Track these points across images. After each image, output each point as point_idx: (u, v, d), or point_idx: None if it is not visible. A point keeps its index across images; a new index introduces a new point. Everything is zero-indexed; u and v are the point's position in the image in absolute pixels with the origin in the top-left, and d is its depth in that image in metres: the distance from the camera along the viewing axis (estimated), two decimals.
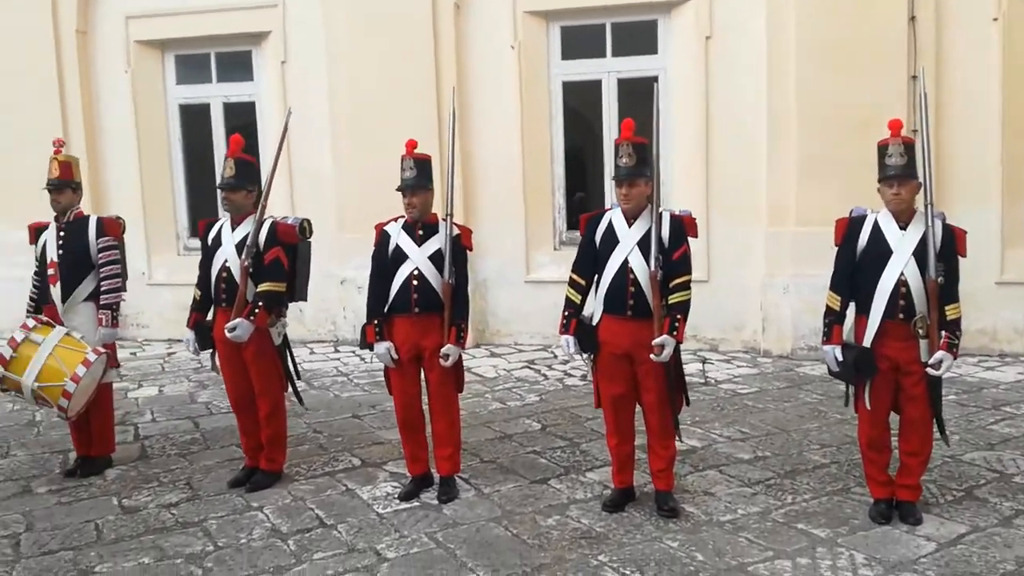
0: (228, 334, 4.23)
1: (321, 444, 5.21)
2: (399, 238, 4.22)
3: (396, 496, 4.28)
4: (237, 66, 8.92)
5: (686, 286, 3.83)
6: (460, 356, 4.25)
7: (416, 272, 4.15)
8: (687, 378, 4.21)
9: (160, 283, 8.88)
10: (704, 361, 7.35)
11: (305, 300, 4.66)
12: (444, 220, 4.23)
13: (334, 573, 3.44)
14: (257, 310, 4.24)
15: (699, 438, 5.14)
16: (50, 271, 4.74)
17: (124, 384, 6.84)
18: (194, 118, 9.12)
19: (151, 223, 8.94)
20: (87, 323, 4.74)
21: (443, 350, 4.11)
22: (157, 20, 8.77)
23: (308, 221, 4.55)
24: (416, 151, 4.22)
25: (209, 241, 4.50)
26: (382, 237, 4.28)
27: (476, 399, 6.22)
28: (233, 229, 4.43)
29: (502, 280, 8.16)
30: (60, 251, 4.75)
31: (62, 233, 4.79)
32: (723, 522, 3.86)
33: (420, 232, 4.22)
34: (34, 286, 4.88)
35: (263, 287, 4.29)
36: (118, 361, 5.06)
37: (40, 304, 4.83)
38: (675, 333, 3.75)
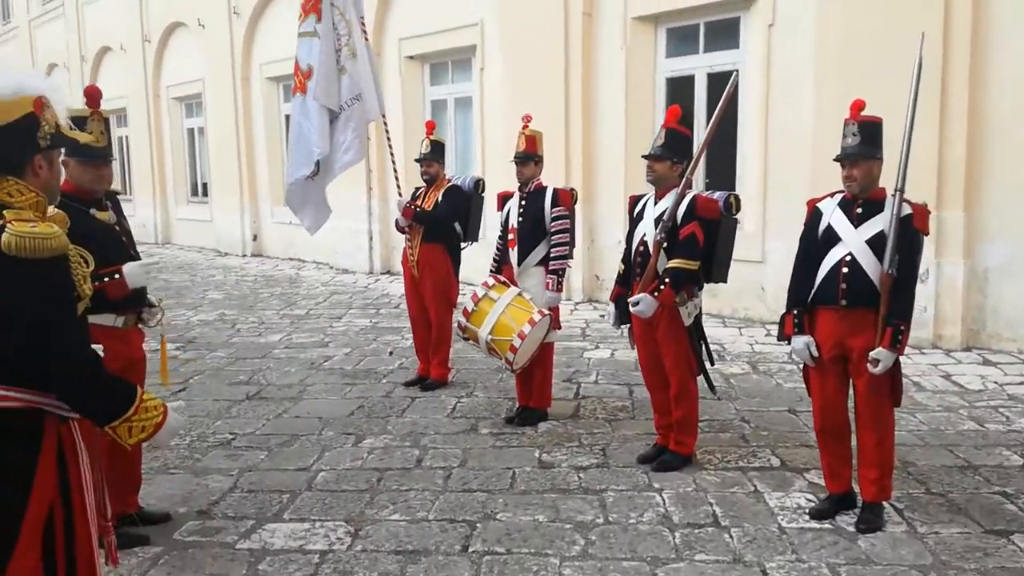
0: (632, 308, 4.16)
1: (744, 435, 4.87)
2: (832, 216, 3.64)
3: (807, 511, 3.78)
4: (723, 34, 8.74)
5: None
6: (897, 363, 3.53)
7: (848, 258, 3.55)
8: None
9: None
10: None
11: (724, 281, 4.36)
12: (893, 196, 3.52)
13: None
14: (663, 286, 4.07)
15: None
16: (510, 236, 5.23)
17: (583, 343, 7.32)
18: (678, 90, 9.22)
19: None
20: (537, 286, 5.12)
21: (872, 354, 3.45)
22: None
23: (736, 196, 4.22)
24: (863, 113, 3.57)
25: (634, 214, 4.47)
26: (813, 215, 3.75)
27: (946, 414, 5.19)
28: (656, 202, 4.33)
29: (1013, 271, 6.66)
30: (520, 218, 5.19)
31: (523, 202, 5.23)
32: None
33: (859, 210, 3.59)
34: (497, 248, 5.43)
35: (672, 263, 4.10)
36: (560, 324, 5.38)
37: (500, 265, 5.36)
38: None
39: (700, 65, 8.91)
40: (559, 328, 5.34)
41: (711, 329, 6.23)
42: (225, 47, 15.12)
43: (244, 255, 15.31)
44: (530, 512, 3.83)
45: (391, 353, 7.11)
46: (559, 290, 5.11)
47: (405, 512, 3.86)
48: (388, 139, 6.08)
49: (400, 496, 4.05)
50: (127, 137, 19.29)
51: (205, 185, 17.19)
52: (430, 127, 6.04)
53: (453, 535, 3.61)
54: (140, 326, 3.68)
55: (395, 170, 6.21)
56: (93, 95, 3.37)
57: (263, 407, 5.60)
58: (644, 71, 9.24)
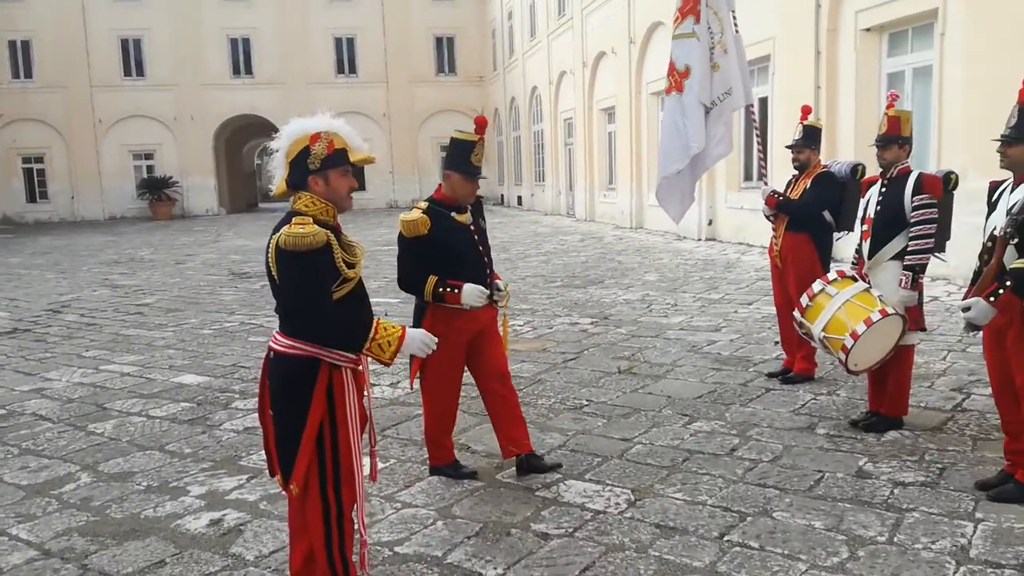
0: (962, 313, 3.62)
1: None
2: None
3: None
4: None
5: None
6: None
7: None
8: None
9: None
10: None
11: None
12: None
13: None
14: (1002, 290, 3.47)
15: None
16: (864, 226, 4.87)
17: None
18: None
19: None
20: (890, 282, 4.70)
21: None
22: None
23: None
24: None
25: (990, 203, 3.85)
26: None
27: None
28: (1012, 190, 3.68)
29: None
30: (878, 207, 4.79)
31: (883, 189, 4.81)
32: None
33: None
34: (860, 239, 5.07)
35: (1018, 263, 3.46)
36: (924, 324, 4.82)
37: (860, 257, 5.00)
38: None
39: None
40: (922, 329, 4.81)
41: None
42: None
43: (699, 239, 15.97)
44: (809, 517, 3.69)
45: (777, 343, 7.00)
46: (915, 288, 4.61)
47: (688, 493, 4.02)
48: (755, 126, 6.03)
49: (693, 478, 4.21)
50: (614, 132, 21.38)
51: None
52: (805, 112, 5.82)
53: (718, 522, 3.69)
54: (492, 304, 4.30)
55: (762, 157, 6.13)
56: (479, 124, 4.21)
57: (627, 381, 6.11)
58: None
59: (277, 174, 2.87)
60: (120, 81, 33.10)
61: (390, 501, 4.09)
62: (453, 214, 4.16)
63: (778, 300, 5.99)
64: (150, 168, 33.29)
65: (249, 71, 34.15)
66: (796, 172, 5.83)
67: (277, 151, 2.84)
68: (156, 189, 32.33)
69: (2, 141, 32.54)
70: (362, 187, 35.29)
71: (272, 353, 2.86)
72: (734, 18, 5.87)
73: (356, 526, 2.94)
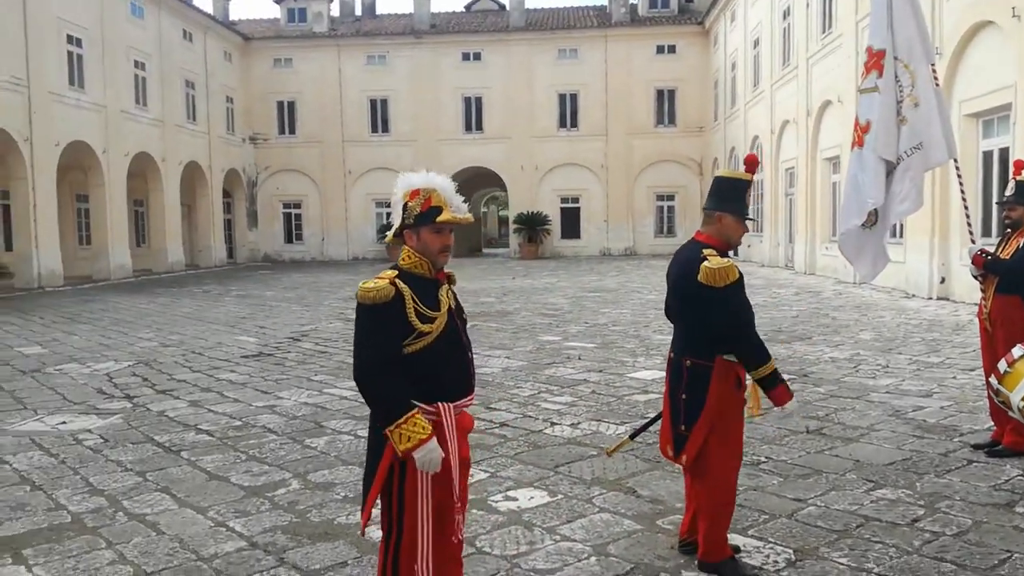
0: None
1: None
2: None
3: None
4: None
5: None
6: None
7: None
8: None
9: None
10: None
11: None
12: None
13: None
14: None
15: None
16: None
17: None
18: None
19: None
20: None
21: None
22: None
23: None
24: None
25: None
26: None
27: None
28: None
29: None
30: None
31: None
32: None
33: None
34: None
35: None
36: None
37: None
38: None
39: None
40: None
41: None
42: None
43: (929, 297, 14.78)
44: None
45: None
46: None
47: (855, 559, 3.86)
48: (960, 182, 5.65)
49: (863, 544, 4.03)
50: (838, 183, 20.41)
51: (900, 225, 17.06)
52: (1018, 167, 5.41)
53: None
54: None
55: (967, 214, 5.72)
56: (751, 163, 3.87)
57: (814, 441, 5.89)
58: None
59: (395, 223, 3.00)
60: (368, 137, 36.70)
61: (551, 533, 4.30)
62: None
63: (987, 367, 5.53)
64: (388, 214, 36.32)
65: (479, 127, 36.51)
66: (1008, 230, 5.42)
67: (396, 203, 2.96)
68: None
69: (267, 189, 37.23)
70: (575, 235, 36.22)
71: None
72: (934, 71, 5.61)
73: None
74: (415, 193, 2.90)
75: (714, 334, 3.60)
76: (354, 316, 2.89)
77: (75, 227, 28.86)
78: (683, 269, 3.67)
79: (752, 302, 3.78)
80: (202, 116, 32.71)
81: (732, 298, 3.53)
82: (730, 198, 3.77)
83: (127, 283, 24.71)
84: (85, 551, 4.17)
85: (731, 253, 3.75)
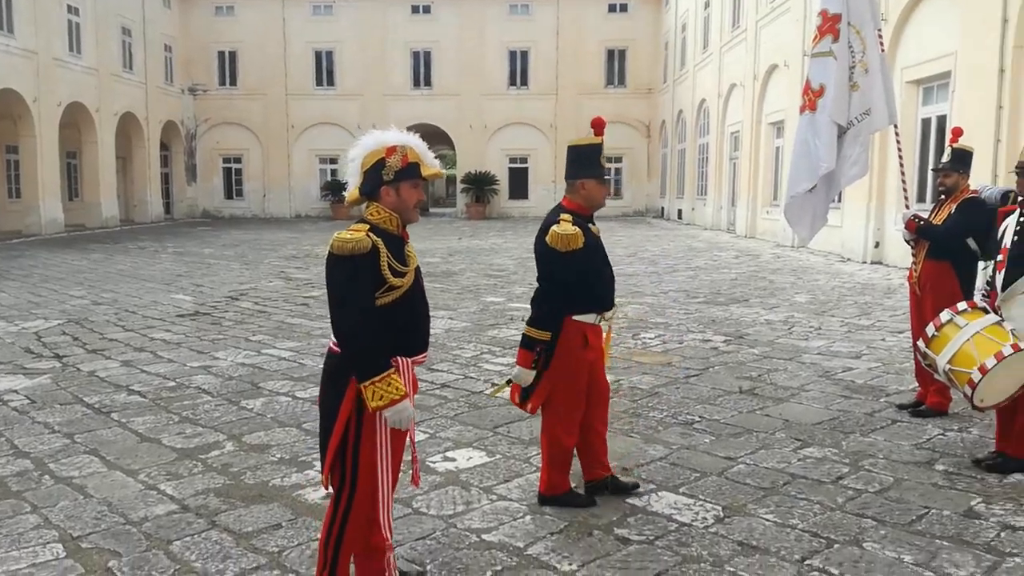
0: None
1: None
2: None
3: None
4: None
5: None
6: None
7: None
8: None
9: None
10: None
11: None
12: None
13: None
14: None
15: None
16: (999, 256, 4.61)
17: None
18: None
19: None
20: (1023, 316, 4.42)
21: None
22: None
23: None
24: None
25: None
26: None
27: None
28: None
29: None
30: (1015, 236, 4.53)
31: (1021, 218, 4.54)
32: None
33: None
34: (994, 270, 4.79)
35: None
36: None
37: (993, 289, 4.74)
38: None
39: None
40: None
41: None
42: None
43: (863, 262, 15.18)
44: (901, 551, 3.57)
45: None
46: None
47: (780, 516, 3.98)
48: (899, 148, 5.77)
49: (789, 501, 4.16)
50: (781, 147, 20.69)
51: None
52: (955, 134, 5.53)
53: (803, 546, 3.64)
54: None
55: (903, 180, 5.86)
56: (598, 125, 4.01)
57: (746, 402, 6.04)
58: None
59: (351, 182, 2.99)
60: (312, 90, 35.81)
61: (487, 492, 4.34)
62: (590, 225, 4.02)
63: (915, 329, 5.72)
64: (334, 171, 35.68)
65: (428, 82, 35.92)
66: (942, 196, 5.56)
67: (353, 160, 2.96)
68: (338, 191, 34.65)
69: (207, 142, 36.15)
70: (523, 195, 36.13)
71: (328, 349, 3.02)
72: (880, 37, 5.68)
73: (384, 532, 3.00)
74: (392, 150, 2.92)
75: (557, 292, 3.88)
76: (324, 270, 2.88)
77: (4, 179, 27.75)
78: (539, 232, 3.94)
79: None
80: (139, 65, 31.49)
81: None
82: (587, 164, 4.00)
83: (59, 238, 23.90)
84: (8, 516, 4.06)
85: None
